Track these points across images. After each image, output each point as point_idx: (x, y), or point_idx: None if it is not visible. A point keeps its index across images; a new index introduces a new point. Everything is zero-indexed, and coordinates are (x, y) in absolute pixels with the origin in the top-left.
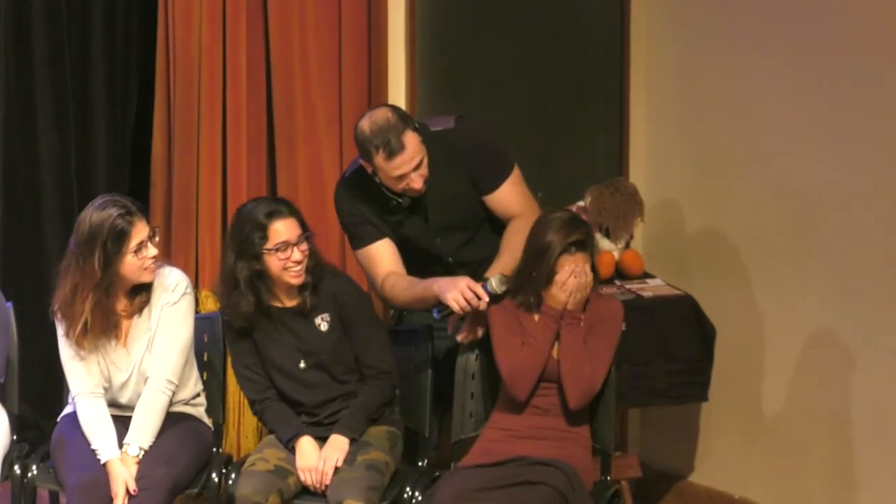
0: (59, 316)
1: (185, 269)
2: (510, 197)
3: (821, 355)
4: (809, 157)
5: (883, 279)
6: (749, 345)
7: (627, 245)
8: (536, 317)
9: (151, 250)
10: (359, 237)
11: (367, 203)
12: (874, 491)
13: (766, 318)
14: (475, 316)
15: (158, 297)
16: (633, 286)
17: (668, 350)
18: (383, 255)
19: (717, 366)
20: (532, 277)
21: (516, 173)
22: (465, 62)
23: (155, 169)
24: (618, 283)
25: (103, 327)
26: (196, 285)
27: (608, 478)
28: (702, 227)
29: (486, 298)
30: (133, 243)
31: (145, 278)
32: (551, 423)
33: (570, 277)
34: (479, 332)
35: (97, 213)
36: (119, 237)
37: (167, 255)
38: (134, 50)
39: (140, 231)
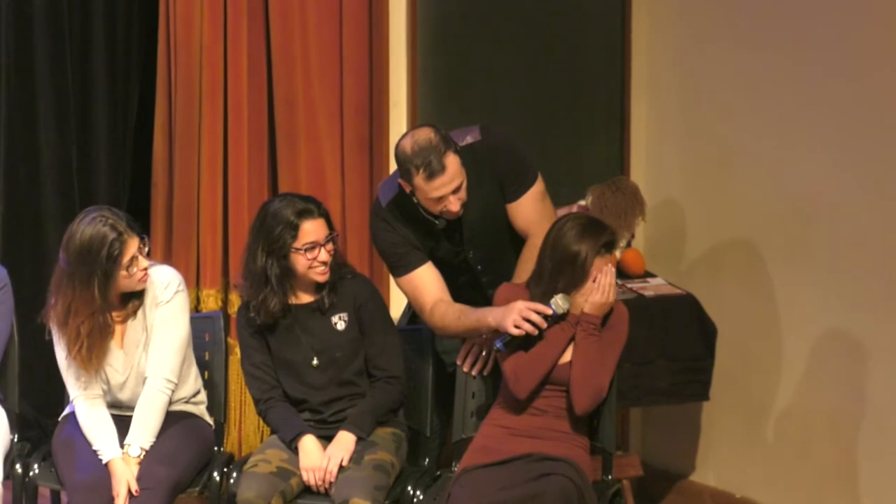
0: (54, 331)
1: (187, 268)
2: (532, 209)
3: (822, 354)
4: (810, 156)
5: (883, 277)
6: (750, 344)
7: (629, 244)
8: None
9: (143, 262)
10: (401, 265)
11: (406, 227)
12: (876, 489)
13: (768, 316)
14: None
15: (151, 297)
16: (635, 285)
17: (670, 349)
18: (428, 282)
19: (719, 365)
20: (557, 287)
21: (541, 186)
22: (466, 60)
23: (156, 167)
24: (619, 282)
25: (102, 347)
26: (197, 284)
27: (610, 477)
28: (703, 226)
29: (550, 312)
30: (125, 261)
31: (139, 287)
32: (550, 424)
33: (602, 276)
34: (489, 367)
35: (89, 230)
36: (114, 262)
37: (168, 254)
38: (135, 48)
39: (131, 248)
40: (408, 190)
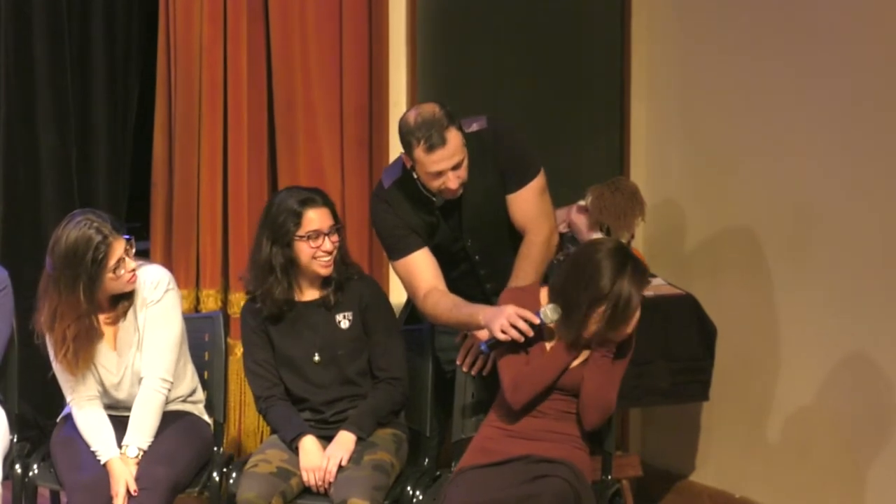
0: (45, 335)
1: (187, 268)
2: (532, 203)
3: (822, 354)
4: (810, 156)
5: (883, 277)
6: (750, 344)
7: (628, 244)
8: (548, 345)
9: (130, 264)
10: (399, 248)
11: (406, 209)
12: (876, 489)
13: (767, 317)
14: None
15: (141, 297)
16: None
17: (670, 349)
18: (424, 268)
19: (718, 365)
20: (586, 317)
21: (542, 182)
22: (465, 61)
23: (156, 168)
24: None
25: (88, 350)
26: (197, 284)
27: (609, 477)
28: (703, 227)
29: (538, 321)
30: (111, 263)
31: (128, 289)
32: (549, 426)
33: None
34: (489, 367)
35: (74, 234)
36: (99, 265)
37: (168, 254)
38: (134, 49)
39: (117, 249)
40: (408, 165)
